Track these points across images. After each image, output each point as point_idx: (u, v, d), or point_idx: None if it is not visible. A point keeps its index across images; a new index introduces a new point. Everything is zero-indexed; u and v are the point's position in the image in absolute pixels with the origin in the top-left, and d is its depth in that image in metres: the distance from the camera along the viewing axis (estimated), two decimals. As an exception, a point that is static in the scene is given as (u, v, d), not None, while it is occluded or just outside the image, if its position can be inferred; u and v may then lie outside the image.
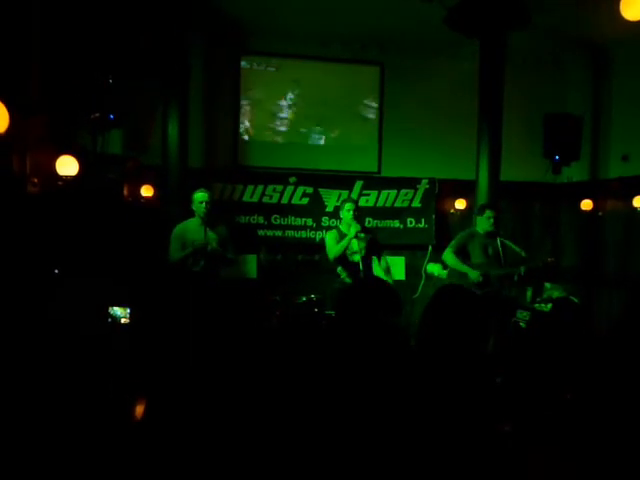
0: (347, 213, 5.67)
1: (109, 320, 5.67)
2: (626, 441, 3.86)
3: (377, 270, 5.83)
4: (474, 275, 5.77)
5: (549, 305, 6.69)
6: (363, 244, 5.68)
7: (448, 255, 5.95)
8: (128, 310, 5.69)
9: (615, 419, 4.28)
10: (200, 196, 5.59)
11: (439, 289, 2.37)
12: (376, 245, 5.93)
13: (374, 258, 5.86)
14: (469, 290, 2.45)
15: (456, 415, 2.08)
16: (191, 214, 5.73)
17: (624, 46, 7.45)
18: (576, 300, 6.94)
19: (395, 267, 7.64)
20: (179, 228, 5.70)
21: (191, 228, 5.65)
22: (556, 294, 6.99)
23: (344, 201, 5.91)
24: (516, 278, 5.84)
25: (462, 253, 5.96)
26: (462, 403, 2.11)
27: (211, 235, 5.57)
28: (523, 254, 5.87)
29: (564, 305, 6.56)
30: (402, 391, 2.14)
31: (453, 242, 6.01)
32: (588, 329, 6.80)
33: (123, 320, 5.68)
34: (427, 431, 2.04)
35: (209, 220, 5.60)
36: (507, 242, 5.94)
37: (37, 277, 5.08)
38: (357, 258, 5.59)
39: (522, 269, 5.79)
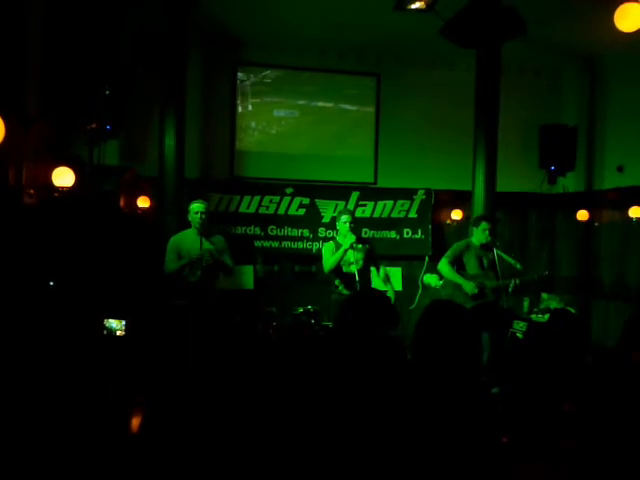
0: (343, 225, 5.64)
1: (104, 332, 5.63)
2: (625, 452, 3.84)
3: (376, 281, 5.81)
4: (469, 287, 5.77)
5: (546, 316, 6.69)
6: (360, 255, 5.65)
7: (443, 265, 5.94)
8: (124, 322, 5.65)
9: (614, 430, 4.26)
10: (196, 207, 5.58)
11: (430, 304, 2.38)
12: (373, 256, 5.91)
13: (373, 269, 5.84)
14: (459, 304, 2.45)
15: (453, 426, 2.07)
16: (188, 225, 5.72)
17: (619, 57, 7.51)
18: (573, 310, 6.95)
19: (392, 278, 7.63)
20: (175, 239, 5.68)
21: (187, 239, 5.63)
22: (553, 304, 6.99)
23: (340, 212, 5.89)
24: (511, 289, 5.83)
25: (457, 264, 5.95)
26: (459, 414, 2.10)
27: (207, 246, 5.54)
28: (518, 266, 5.87)
29: (561, 315, 6.55)
30: (399, 402, 2.13)
31: (448, 252, 6.00)
32: (585, 339, 6.79)
33: (119, 333, 5.64)
34: (424, 442, 2.03)
35: (205, 231, 5.59)
36: (502, 254, 5.93)
37: (32, 289, 5.05)
38: (353, 269, 5.55)
39: (517, 281, 5.78)
